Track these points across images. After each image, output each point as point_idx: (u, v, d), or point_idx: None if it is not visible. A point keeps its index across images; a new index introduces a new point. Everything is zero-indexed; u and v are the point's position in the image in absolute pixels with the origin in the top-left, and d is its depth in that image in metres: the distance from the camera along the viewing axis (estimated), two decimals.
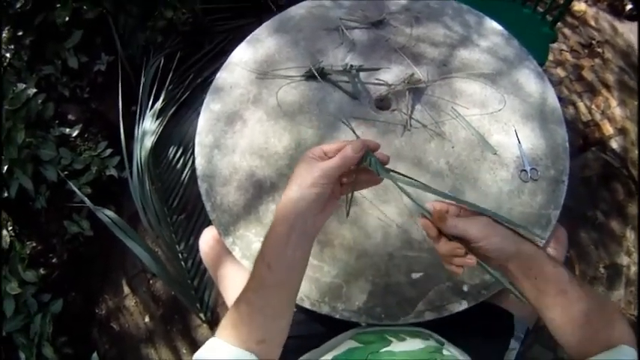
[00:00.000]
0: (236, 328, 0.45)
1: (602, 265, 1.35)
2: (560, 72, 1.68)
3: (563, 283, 0.48)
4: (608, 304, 0.50)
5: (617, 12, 1.82)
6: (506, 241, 0.48)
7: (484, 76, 0.84)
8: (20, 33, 1.35)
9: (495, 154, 0.76)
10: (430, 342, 0.55)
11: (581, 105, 1.62)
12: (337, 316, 0.64)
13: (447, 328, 0.63)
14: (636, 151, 1.52)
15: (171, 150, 1.34)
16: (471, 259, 0.47)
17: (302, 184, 0.46)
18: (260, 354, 0.44)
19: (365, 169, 0.50)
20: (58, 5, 1.35)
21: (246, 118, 0.80)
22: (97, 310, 1.32)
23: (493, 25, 0.93)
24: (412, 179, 0.50)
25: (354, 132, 0.56)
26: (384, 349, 0.51)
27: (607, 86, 1.66)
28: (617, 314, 0.49)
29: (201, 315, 1.20)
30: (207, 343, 0.45)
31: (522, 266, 0.49)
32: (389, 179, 0.49)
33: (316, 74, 0.80)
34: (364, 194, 0.71)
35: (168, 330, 1.27)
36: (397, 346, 0.53)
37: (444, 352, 0.52)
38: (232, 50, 0.89)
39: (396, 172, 0.50)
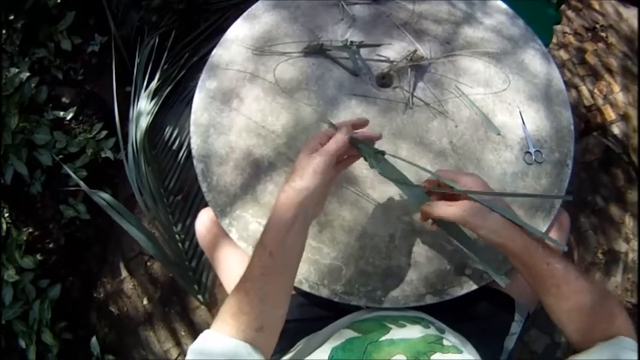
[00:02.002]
0: (235, 318, 0.45)
1: (601, 251, 1.34)
2: (563, 54, 1.65)
3: (556, 278, 0.49)
4: (607, 296, 0.50)
5: None
6: (492, 233, 0.50)
7: (488, 55, 0.81)
8: (12, 17, 1.31)
9: (499, 134, 0.74)
10: (430, 330, 0.54)
11: (583, 89, 1.59)
12: (337, 299, 0.63)
13: (447, 313, 0.62)
14: (637, 138, 1.51)
15: (167, 130, 1.31)
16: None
17: (304, 175, 0.48)
18: (258, 341, 0.44)
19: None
20: None
21: (243, 96, 0.78)
22: (95, 294, 1.31)
23: (498, 3, 0.90)
24: (402, 159, 0.55)
25: (333, 125, 0.57)
26: (384, 338, 0.51)
27: (610, 71, 1.63)
28: (617, 307, 0.49)
29: (199, 297, 1.20)
30: (202, 335, 0.45)
31: (514, 259, 0.51)
32: (378, 170, 0.54)
33: (315, 50, 0.78)
34: (365, 174, 0.70)
35: (166, 312, 1.27)
36: (396, 334, 0.52)
37: (444, 342, 0.51)
38: (228, 28, 0.86)
39: (381, 152, 0.55)
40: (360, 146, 0.54)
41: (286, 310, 0.49)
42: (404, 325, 0.55)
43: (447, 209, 0.51)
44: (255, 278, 0.46)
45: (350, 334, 0.53)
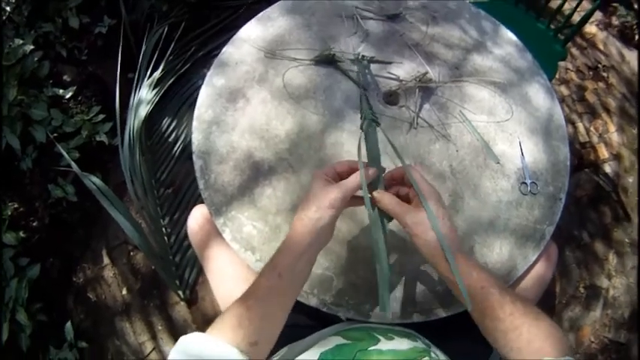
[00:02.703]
0: (233, 330, 0.45)
1: (583, 285, 1.36)
2: (563, 90, 1.69)
3: (491, 301, 0.50)
4: (542, 318, 0.50)
5: (626, 39, 1.83)
6: (426, 248, 0.52)
7: (494, 84, 0.83)
8: None
9: (498, 163, 0.75)
10: (418, 343, 0.55)
11: (580, 125, 1.63)
12: (325, 309, 0.63)
13: (432, 331, 0.63)
14: (629, 179, 1.54)
15: (165, 122, 1.30)
16: None
17: (321, 206, 0.50)
18: (251, 355, 0.45)
19: None
20: None
21: (250, 97, 0.78)
22: (74, 279, 1.28)
23: (509, 34, 0.92)
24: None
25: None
26: (373, 347, 0.51)
27: (608, 111, 1.67)
28: (552, 327, 0.49)
29: (180, 292, 1.18)
30: (194, 336, 0.45)
31: (447, 281, 0.53)
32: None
33: (326, 59, 0.78)
34: None
35: (145, 305, 1.25)
36: (385, 345, 0.52)
37: (432, 354, 0.51)
38: (238, 27, 0.86)
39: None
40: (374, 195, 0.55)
41: (282, 327, 0.50)
42: (392, 338, 0.55)
43: (396, 205, 0.53)
44: (259, 297, 0.48)
45: (339, 340, 0.54)
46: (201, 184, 0.72)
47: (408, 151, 0.74)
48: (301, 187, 0.70)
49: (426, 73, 0.77)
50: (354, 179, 0.52)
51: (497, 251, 0.69)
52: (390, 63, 0.80)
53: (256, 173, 0.71)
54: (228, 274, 0.70)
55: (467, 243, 0.69)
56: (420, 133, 0.76)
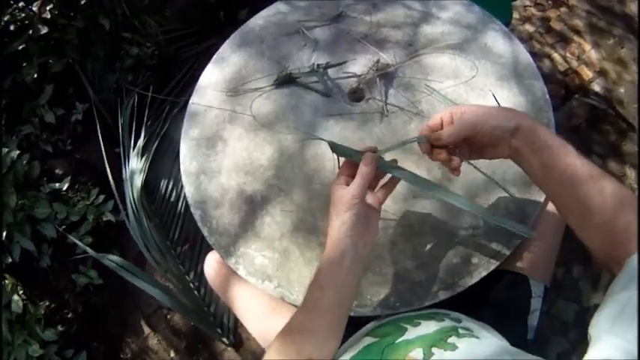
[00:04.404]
0: (286, 345, 0.47)
1: None
2: (528, 28, 1.68)
3: (570, 156, 0.48)
4: (625, 190, 0.46)
5: None
6: (502, 119, 0.50)
7: (451, 47, 0.84)
8: None
9: None
10: (445, 322, 0.55)
11: (555, 56, 1.61)
12: (351, 314, 0.64)
13: (464, 305, 0.63)
14: (620, 90, 1.52)
15: (163, 184, 1.33)
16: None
17: (339, 211, 0.50)
18: None
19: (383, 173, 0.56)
20: (24, 64, 1.35)
21: (226, 138, 0.80)
22: (122, 356, 1.31)
23: None
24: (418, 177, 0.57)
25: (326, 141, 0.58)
26: (400, 339, 0.51)
27: (578, 32, 1.65)
28: (634, 205, 0.45)
29: (224, 339, 1.20)
30: None
31: (526, 140, 0.49)
32: (398, 177, 0.56)
33: (285, 80, 0.80)
34: None
35: None
36: (412, 333, 0.53)
37: (460, 330, 0.51)
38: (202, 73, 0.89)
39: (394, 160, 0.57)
40: (392, 170, 0.56)
41: (337, 344, 0.50)
42: (419, 324, 0.55)
43: (452, 127, 0.52)
44: (306, 311, 0.49)
45: (368, 340, 0.54)
46: (205, 231, 0.74)
47: (386, 140, 0.75)
48: (296, 206, 0.72)
49: (379, 59, 0.79)
50: (357, 176, 0.51)
51: (504, 206, 0.69)
52: (344, 62, 0.82)
53: (252, 206, 0.73)
54: (255, 309, 0.72)
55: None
56: (393, 119, 0.77)
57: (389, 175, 0.57)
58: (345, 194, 0.50)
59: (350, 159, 0.55)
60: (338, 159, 0.57)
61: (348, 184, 0.52)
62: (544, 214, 0.70)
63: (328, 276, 0.49)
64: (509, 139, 0.50)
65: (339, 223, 0.49)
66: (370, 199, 0.53)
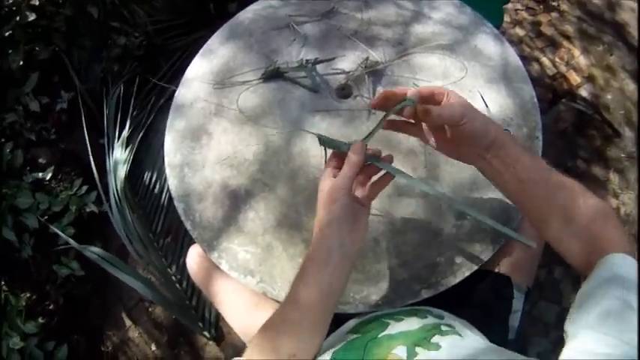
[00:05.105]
0: (267, 341, 0.46)
1: None
2: (518, 31, 1.69)
3: (542, 169, 0.48)
4: (596, 199, 0.48)
5: None
6: (487, 125, 0.49)
7: (441, 47, 0.84)
8: None
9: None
10: (428, 320, 0.55)
11: (544, 60, 1.63)
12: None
13: (447, 304, 0.63)
14: (608, 96, 1.54)
15: (147, 175, 1.31)
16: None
17: (325, 204, 0.47)
18: None
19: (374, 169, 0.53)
20: (10, 51, 1.32)
21: (212, 131, 0.79)
22: (103, 348, 1.30)
23: None
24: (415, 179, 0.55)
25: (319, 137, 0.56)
26: (382, 334, 0.51)
27: (568, 37, 1.67)
28: (608, 212, 0.47)
29: (206, 333, 1.19)
30: None
31: (501, 153, 0.49)
32: (387, 170, 0.53)
33: (273, 74, 0.80)
34: None
35: (176, 354, 1.26)
36: (395, 328, 0.53)
37: (442, 327, 0.51)
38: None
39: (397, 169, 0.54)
40: (381, 163, 0.53)
41: (321, 341, 0.49)
42: (401, 319, 0.55)
43: (442, 108, 0.49)
44: (291, 306, 0.47)
45: (350, 336, 0.54)
46: (188, 225, 0.73)
47: (374, 138, 0.74)
48: (280, 201, 0.71)
49: (368, 57, 0.79)
50: (345, 164, 0.49)
51: (488, 207, 0.70)
52: (333, 59, 0.82)
53: (235, 201, 0.73)
54: (237, 304, 0.72)
55: (456, 208, 0.69)
56: (380, 117, 0.77)
57: (380, 174, 0.56)
58: (332, 185, 0.48)
59: (338, 150, 0.53)
60: (325, 152, 0.56)
61: (335, 177, 0.49)
62: None
63: (313, 273, 0.47)
64: (483, 150, 0.50)
65: (325, 216, 0.47)
66: (359, 193, 0.51)
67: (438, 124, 0.52)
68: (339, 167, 0.50)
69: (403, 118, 0.53)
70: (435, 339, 0.47)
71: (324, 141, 0.54)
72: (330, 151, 0.55)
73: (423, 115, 0.49)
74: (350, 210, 0.48)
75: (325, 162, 0.54)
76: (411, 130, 0.57)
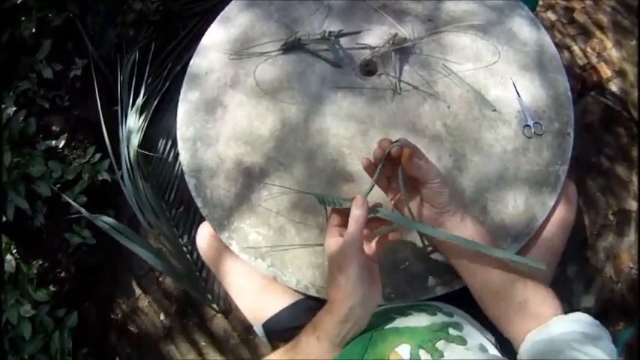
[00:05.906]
0: None
1: (611, 212, 1.31)
2: (550, 16, 1.60)
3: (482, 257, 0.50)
4: (534, 277, 0.51)
5: None
6: (452, 197, 0.51)
7: (474, 28, 0.78)
8: None
9: (495, 110, 0.71)
10: (436, 317, 0.53)
11: (575, 48, 1.55)
12: None
13: (460, 302, 0.61)
14: (636, 93, 1.46)
15: (160, 144, 1.30)
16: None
17: (340, 267, 0.47)
18: None
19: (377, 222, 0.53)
20: (23, 19, 1.29)
21: (227, 104, 0.76)
22: (112, 316, 1.32)
23: None
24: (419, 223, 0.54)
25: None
26: (388, 326, 0.50)
27: (601, 27, 1.58)
28: (546, 290, 0.51)
29: (214, 305, 1.20)
30: None
31: (453, 227, 0.52)
32: (390, 219, 0.53)
33: (293, 45, 0.75)
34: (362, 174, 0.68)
35: (184, 324, 1.28)
36: (401, 322, 0.52)
37: (450, 330, 0.50)
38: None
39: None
40: (383, 214, 0.52)
41: None
42: (410, 314, 0.54)
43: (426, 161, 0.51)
44: (295, 355, 0.47)
45: None
46: (198, 202, 0.71)
47: (397, 119, 0.71)
48: (296, 182, 0.69)
49: (397, 33, 0.74)
50: (350, 221, 0.48)
51: (513, 204, 0.66)
52: (358, 32, 0.77)
53: (249, 179, 0.70)
54: (246, 286, 0.70)
55: (479, 202, 0.66)
56: (406, 98, 0.72)
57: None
58: (343, 245, 0.47)
59: (339, 207, 0.52)
60: (326, 211, 0.54)
61: (341, 236, 0.49)
62: (552, 220, 0.68)
63: (328, 329, 0.46)
64: (441, 212, 0.52)
65: (344, 280, 0.46)
66: (367, 249, 0.51)
67: (413, 173, 0.51)
68: (341, 224, 0.51)
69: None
70: (440, 345, 0.46)
71: (323, 199, 0.53)
72: (329, 208, 0.54)
73: (407, 157, 0.50)
74: (366, 268, 0.47)
75: (327, 219, 0.53)
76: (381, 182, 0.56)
